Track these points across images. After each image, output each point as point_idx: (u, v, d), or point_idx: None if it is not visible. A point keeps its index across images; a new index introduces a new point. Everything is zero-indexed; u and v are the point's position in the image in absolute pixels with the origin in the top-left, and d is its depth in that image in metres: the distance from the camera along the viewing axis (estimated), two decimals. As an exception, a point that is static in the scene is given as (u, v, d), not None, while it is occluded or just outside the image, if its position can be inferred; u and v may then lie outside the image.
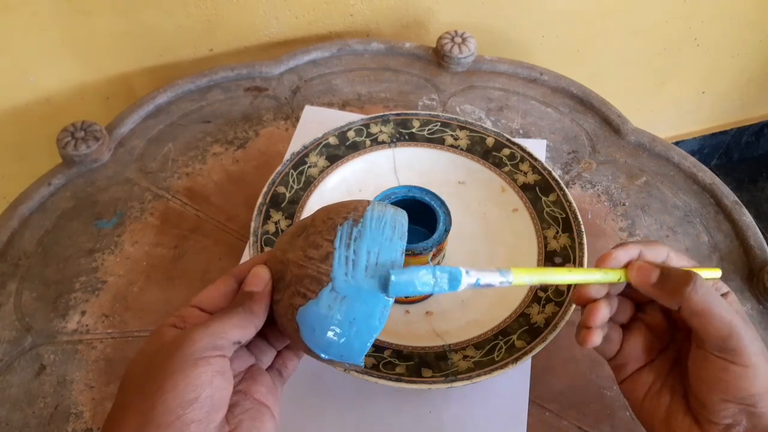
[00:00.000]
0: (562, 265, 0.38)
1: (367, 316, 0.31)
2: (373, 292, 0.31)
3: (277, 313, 0.34)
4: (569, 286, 0.48)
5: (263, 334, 0.35)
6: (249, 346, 0.35)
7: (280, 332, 0.34)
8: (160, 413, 0.27)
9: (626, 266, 0.36)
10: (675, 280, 0.34)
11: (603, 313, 0.35)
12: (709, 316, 0.33)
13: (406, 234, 0.33)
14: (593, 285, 0.36)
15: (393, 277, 0.30)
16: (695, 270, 0.35)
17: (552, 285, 0.34)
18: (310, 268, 0.32)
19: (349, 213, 0.33)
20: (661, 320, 0.38)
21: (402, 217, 0.34)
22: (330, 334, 0.32)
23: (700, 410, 0.34)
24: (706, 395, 0.33)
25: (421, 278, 0.31)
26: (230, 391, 0.30)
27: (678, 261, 0.36)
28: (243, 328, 0.32)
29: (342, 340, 0.32)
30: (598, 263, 0.36)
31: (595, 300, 0.36)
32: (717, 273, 0.37)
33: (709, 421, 0.33)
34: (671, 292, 0.34)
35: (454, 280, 0.31)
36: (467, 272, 0.32)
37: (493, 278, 0.32)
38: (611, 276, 0.35)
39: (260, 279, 0.33)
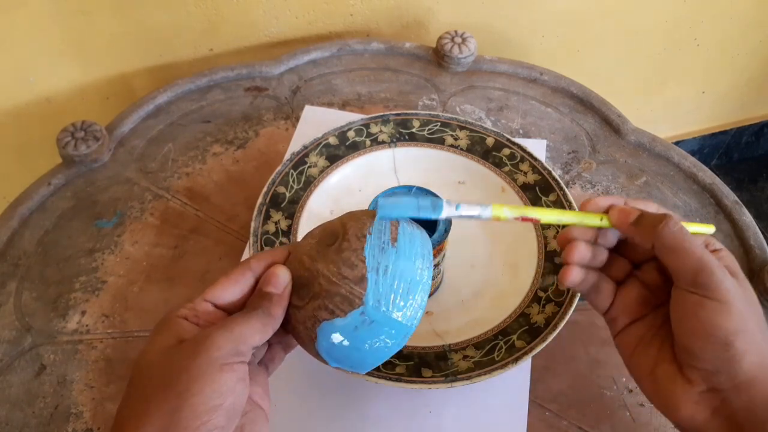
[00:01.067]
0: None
1: (389, 342, 0.33)
2: (399, 323, 0.33)
3: (293, 318, 0.33)
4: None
5: None
6: None
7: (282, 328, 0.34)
8: (187, 417, 0.27)
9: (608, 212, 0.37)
10: (651, 219, 0.35)
11: (581, 250, 0.36)
12: (680, 251, 0.33)
13: (432, 257, 0.35)
14: (576, 229, 0.37)
15: (380, 202, 0.33)
16: (687, 224, 0.36)
17: (534, 220, 0.35)
18: (343, 287, 0.32)
19: (375, 227, 0.33)
20: (656, 277, 0.37)
21: (428, 242, 0.35)
22: (349, 350, 0.32)
23: (683, 356, 0.34)
24: (685, 337, 0.33)
25: (407, 203, 0.33)
26: (247, 397, 0.30)
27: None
28: (263, 332, 0.31)
29: (358, 355, 0.33)
30: (581, 208, 0.37)
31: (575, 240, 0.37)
32: (710, 229, 0.38)
33: (691, 367, 0.33)
34: (646, 230, 0.34)
35: (436, 207, 0.33)
36: (448, 202, 0.34)
37: (473, 210, 0.34)
38: (592, 219, 0.36)
39: (280, 281, 0.33)
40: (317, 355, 0.33)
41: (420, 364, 0.45)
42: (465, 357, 0.45)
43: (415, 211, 0.33)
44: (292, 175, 0.55)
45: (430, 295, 0.51)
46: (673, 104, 1.17)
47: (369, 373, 0.43)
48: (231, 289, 0.33)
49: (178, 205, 0.60)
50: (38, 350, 0.50)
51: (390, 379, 0.43)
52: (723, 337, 0.32)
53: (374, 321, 0.32)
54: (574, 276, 0.37)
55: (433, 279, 0.49)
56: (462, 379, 0.43)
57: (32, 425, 0.46)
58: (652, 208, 0.37)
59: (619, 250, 0.39)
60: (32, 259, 0.56)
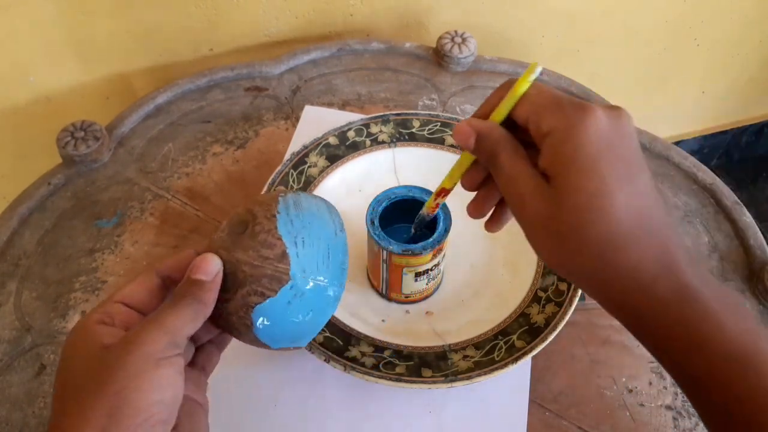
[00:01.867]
0: None
1: (323, 308, 0.34)
2: (327, 286, 0.34)
3: (223, 312, 0.33)
4: (570, 285, 0.48)
5: None
6: None
7: (207, 327, 0.34)
8: (128, 414, 0.27)
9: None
10: (486, 150, 0.32)
11: (474, 175, 0.35)
12: (512, 170, 0.31)
13: (342, 221, 0.36)
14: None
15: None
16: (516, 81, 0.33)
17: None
18: (267, 268, 0.32)
19: (280, 205, 0.34)
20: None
21: (333, 208, 0.37)
22: (287, 326, 0.33)
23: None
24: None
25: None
26: (183, 390, 0.30)
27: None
28: (194, 320, 0.31)
29: (297, 329, 0.34)
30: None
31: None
32: (537, 69, 0.33)
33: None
34: (488, 160, 0.33)
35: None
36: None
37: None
38: (467, 159, 0.35)
39: (210, 267, 0.32)
40: (256, 340, 0.34)
41: (420, 364, 0.45)
42: (465, 357, 0.45)
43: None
44: (292, 175, 0.55)
45: (430, 295, 0.51)
46: (673, 104, 1.17)
47: (369, 373, 0.43)
48: (140, 290, 0.33)
49: (178, 205, 0.60)
50: (38, 350, 0.50)
51: (390, 379, 0.43)
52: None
53: (304, 292, 0.33)
54: (480, 208, 0.36)
55: (433, 279, 0.49)
56: (462, 379, 0.43)
57: (32, 425, 0.46)
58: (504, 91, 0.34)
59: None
60: (32, 259, 0.56)
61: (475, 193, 0.36)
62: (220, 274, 0.33)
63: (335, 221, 0.36)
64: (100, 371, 0.28)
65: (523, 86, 0.32)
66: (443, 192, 0.38)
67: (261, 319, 0.33)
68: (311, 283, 0.33)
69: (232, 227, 0.35)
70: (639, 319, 0.30)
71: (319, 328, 0.35)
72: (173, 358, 0.29)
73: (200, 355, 0.36)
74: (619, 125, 0.30)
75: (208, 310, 0.32)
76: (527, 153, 0.32)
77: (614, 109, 0.30)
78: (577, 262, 0.30)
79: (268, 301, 0.32)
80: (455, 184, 0.37)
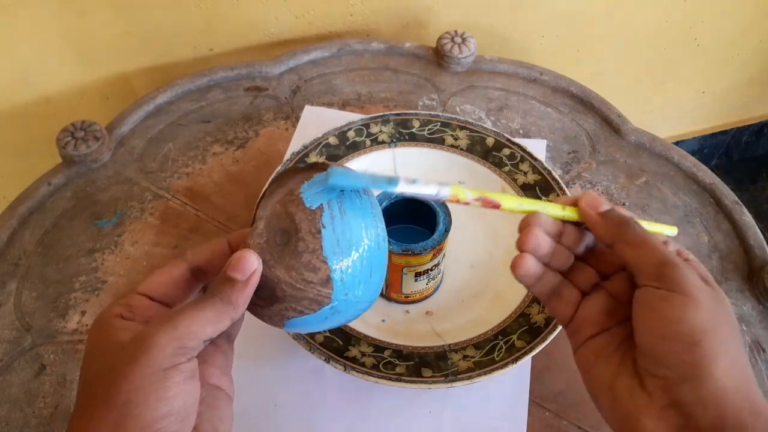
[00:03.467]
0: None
1: (350, 316, 0.34)
2: (365, 301, 0.33)
3: (254, 311, 0.33)
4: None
5: None
6: None
7: None
8: (134, 428, 0.26)
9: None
10: (618, 214, 0.33)
11: (537, 237, 0.33)
12: (643, 246, 0.31)
13: (384, 223, 0.34)
14: (538, 216, 0.34)
15: (331, 171, 0.30)
16: (650, 223, 0.35)
17: (494, 204, 0.33)
18: (309, 291, 0.31)
19: (326, 216, 0.31)
20: (625, 290, 0.33)
21: (376, 204, 0.34)
22: (314, 330, 0.34)
23: (644, 363, 0.30)
24: (647, 336, 0.29)
25: (360, 174, 0.31)
26: (199, 394, 0.28)
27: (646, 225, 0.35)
28: (216, 323, 0.29)
29: (324, 328, 0.34)
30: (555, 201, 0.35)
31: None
32: (672, 231, 0.37)
33: (652, 376, 0.29)
34: (610, 224, 0.32)
35: (392, 181, 0.30)
36: (406, 179, 0.30)
37: (430, 188, 0.31)
38: (555, 208, 0.34)
39: (248, 265, 0.30)
40: (280, 327, 0.33)
41: (420, 364, 0.45)
42: (465, 357, 0.45)
43: (368, 182, 0.30)
44: (292, 175, 0.55)
45: (430, 295, 0.51)
46: (673, 104, 1.17)
47: (369, 374, 0.43)
48: (164, 281, 0.31)
49: (178, 205, 0.60)
50: (38, 350, 0.50)
51: (390, 379, 0.43)
52: (689, 334, 0.28)
53: (342, 309, 0.32)
54: (527, 265, 0.33)
55: (433, 279, 0.49)
56: (462, 379, 0.43)
57: (32, 425, 0.46)
58: (626, 212, 0.35)
59: (587, 260, 0.36)
60: (32, 259, 0.56)
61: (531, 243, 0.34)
62: (258, 274, 0.30)
63: (378, 227, 0.33)
64: (110, 377, 0.27)
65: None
66: (492, 204, 0.34)
67: (294, 325, 0.32)
68: (351, 301, 0.32)
69: (272, 235, 0.32)
70: None
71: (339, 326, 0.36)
72: (183, 365, 0.27)
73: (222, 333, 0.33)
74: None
75: (237, 312, 0.30)
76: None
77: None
78: (739, 348, 0.30)
79: (306, 316, 0.32)
80: (509, 210, 0.35)
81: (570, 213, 0.35)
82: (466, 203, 0.33)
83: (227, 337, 0.33)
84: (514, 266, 0.33)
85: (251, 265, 0.30)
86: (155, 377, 0.26)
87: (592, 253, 0.35)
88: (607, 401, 0.32)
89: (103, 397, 0.27)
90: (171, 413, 0.27)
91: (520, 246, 0.34)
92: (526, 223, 0.34)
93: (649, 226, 0.35)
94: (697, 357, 0.27)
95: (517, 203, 0.34)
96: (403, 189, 0.30)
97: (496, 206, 0.34)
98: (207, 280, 0.34)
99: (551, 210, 0.34)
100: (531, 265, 0.33)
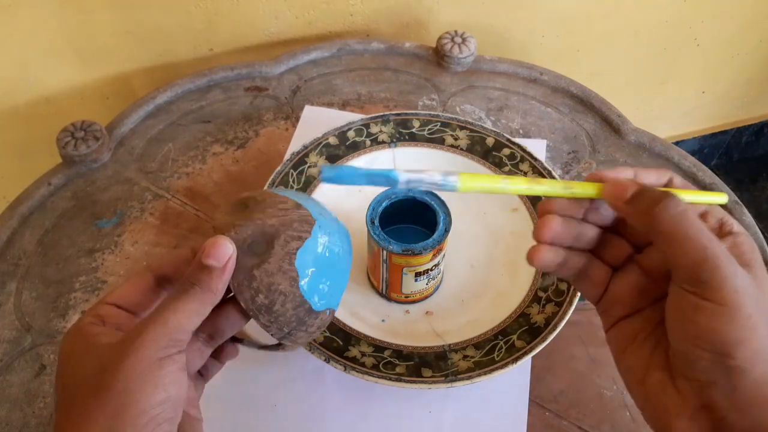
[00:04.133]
0: None
1: (347, 246, 0.36)
2: (341, 224, 0.36)
3: (260, 281, 0.32)
4: (569, 285, 0.48)
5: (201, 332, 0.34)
6: None
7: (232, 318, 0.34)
8: (133, 415, 0.27)
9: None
10: (649, 197, 0.29)
11: (554, 227, 0.31)
12: (679, 239, 0.27)
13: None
14: (558, 201, 0.31)
15: (323, 168, 0.30)
16: (696, 192, 0.31)
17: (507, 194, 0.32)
18: (291, 214, 0.33)
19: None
20: (660, 264, 0.31)
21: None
22: (326, 269, 0.34)
23: (675, 363, 0.29)
24: (678, 341, 0.28)
25: (356, 170, 0.30)
26: (188, 384, 0.30)
27: (684, 188, 0.31)
28: (201, 313, 0.30)
29: (333, 271, 0.35)
30: (586, 179, 0.32)
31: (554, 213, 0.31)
32: (722, 198, 0.32)
33: (683, 376, 0.28)
34: (642, 210, 0.29)
35: (390, 177, 0.29)
36: (404, 173, 0.30)
37: (434, 178, 0.29)
38: (579, 190, 0.31)
39: (223, 251, 0.31)
40: (299, 300, 0.33)
41: (420, 364, 0.45)
42: (465, 357, 0.45)
43: (365, 179, 0.29)
44: (292, 175, 0.55)
45: (430, 295, 0.51)
46: (673, 104, 1.17)
47: (369, 374, 0.43)
48: (131, 290, 0.32)
49: (178, 205, 0.60)
50: (38, 350, 0.50)
51: (390, 379, 0.43)
52: (720, 347, 0.26)
53: (329, 231, 0.34)
54: (543, 257, 0.31)
55: (434, 279, 0.49)
56: (462, 379, 0.43)
57: (32, 425, 0.46)
58: (664, 175, 0.31)
59: (618, 229, 0.33)
60: (32, 259, 0.56)
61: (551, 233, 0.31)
62: (233, 259, 0.31)
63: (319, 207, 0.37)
64: (102, 371, 0.28)
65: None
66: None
67: (305, 267, 0.33)
68: (332, 223, 0.35)
69: (235, 205, 0.35)
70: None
71: (346, 272, 0.36)
72: (176, 355, 0.29)
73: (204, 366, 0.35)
74: None
75: (217, 298, 0.31)
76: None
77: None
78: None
79: (306, 243, 0.33)
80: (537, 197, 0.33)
81: (597, 195, 0.31)
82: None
83: (204, 376, 0.35)
84: (530, 258, 0.31)
85: (226, 250, 0.31)
86: (151, 367, 0.28)
87: (624, 222, 0.32)
88: (639, 393, 0.30)
89: (96, 390, 0.27)
90: (168, 399, 0.28)
91: (536, 237, 0.31)
92: (543, 210, 0.32)
93: (694, 196, 0.31)
94: (731, 366, 0.26)
95: (541, 188, 0.31)
96: (403, 183, 0.29)
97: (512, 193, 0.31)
98: (171, 287, 0.35)
99: (578, 192, 0.31)
100: (548, 256, 0.31)
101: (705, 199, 0.32)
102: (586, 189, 0.31)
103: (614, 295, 0.32)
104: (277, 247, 0.32)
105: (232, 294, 0.33)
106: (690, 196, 0.31)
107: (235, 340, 0.37)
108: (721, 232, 0.30)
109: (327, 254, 0.34)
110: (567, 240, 0.32)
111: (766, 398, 0.26)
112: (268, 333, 0.33)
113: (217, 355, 0.36)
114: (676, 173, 0.32)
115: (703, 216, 0.30)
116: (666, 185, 0.32)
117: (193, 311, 0.30)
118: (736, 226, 0.30)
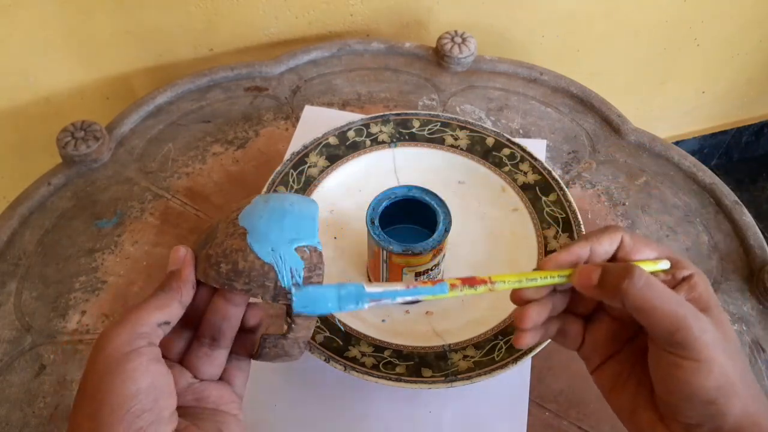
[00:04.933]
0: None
1: (298, 198, 0.36)
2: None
3: (215, 252, 0.33)
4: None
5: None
6: (186, 364, 0.34)
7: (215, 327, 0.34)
8: (107, 413, 0.27)
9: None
10: (613, 276, 0.31)
11: (533, 316, 0.34)
12: (651, 311, 0.30)
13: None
14: (530, 293, 0.34)
15: (295, 298, 0.33)
16: (639, 262, 0.33)
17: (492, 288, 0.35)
18: (232, 212, 0.35)
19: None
20: (623, 309, 0.33)
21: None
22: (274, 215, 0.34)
23: (663, 409, 0.31)
24: (665, 394, 0.31)
25: (327, 294, 0.33)
26: (171, 378, 0.30)
27: (634, 247, 0.33)
28: (164, 307, 0.31)
29: (290, 213, 0.35)
30: (541, 266, 0.35)
31: (530, 301, 0.34)
32: (665, 264, 0.34)
33: (672, 419, 0.31)
34: (611, 290, 0.31)
35: (360, 296, 0.33)
36: (371, 294, 0.34)
37: (408, 296, 0.34)
38: (557, 279, 0.34)
39: (178, 254, 0.34)
40: (253, 263, 0.33)
41: (420, 364, 0.45)
42: (465, 357, 0.45)
43: (335, 305, 0.33)
44: (292, 175, 0.55)
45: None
46: (673, 104, 1.17)
47: (369, 373, 0.43)
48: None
49: (178, 205, 0.60)
50: (38, 350, 0.50)
51: (390, 379, 0.43)
52: (705, 397, 0.29)
53: (267, 197, 0.36)
54: (528, 341, 0.34)
55: (434, 279, 0.49)
56: (462, 379, 0.43)
57: (32, 425, 0.46)
58: (614, 240, 0.33)
59: None
60: (32, 259, 0.56)
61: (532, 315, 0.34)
62: (190, 257, 0.34)
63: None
64: (83, 382, 0.29)
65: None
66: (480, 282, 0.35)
67: (251, 222, 0.34)
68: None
69: (201, 241, 0.36)
70: None
71: (309, 214, 0.35)
72: (142, 348, 0.29)
73: (226, 369, 0.36)
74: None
75: (182, 295, 0.32)
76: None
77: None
78: (747, 379, 0.31)
79: (246, 207, 0.35)
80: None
81: (563, 281, 0.34)
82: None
83: (228, 381, 0.36)
84: (516, 343, 0.34)
85: (180, 253, 0.34)
86: (116, 362, 0.28)
87: None
88: (632, 429, 0.33)
89: (79, 400, 0.29)
90: (140, 391, 0.28)
91: (519, 325, 0.34)
92: (518, 299, 0.35)
93: (641, 265, 0.33)
94: (714, 410, 0.29)
95: (522, 283, 0.34)
96: (372, 304, 0.33)
97: (487, 284, 0.35)
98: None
99: (556, 280, 0.34)
100: (532, 339, 0.34)
101: (649, 268, 0.33)
102: (554, 278, 0.34)
103: (591, 344, 0.35)
104: (220, 225, 0.34)
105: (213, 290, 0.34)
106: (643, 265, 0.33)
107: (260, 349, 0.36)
108: (675, 279, 0.32)
109: (272, 203, 0.35)
110: (544, 319, 0.34)
111: (744, 428, 0.30)
112: (259, 299, 0.34)
113: (238, 353, 0.37)
114: (625, 230, 0.34)
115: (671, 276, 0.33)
116: (619, 247, 0.34)
117: (153, 306, 0.31)
118: (686, 266, 0.33)
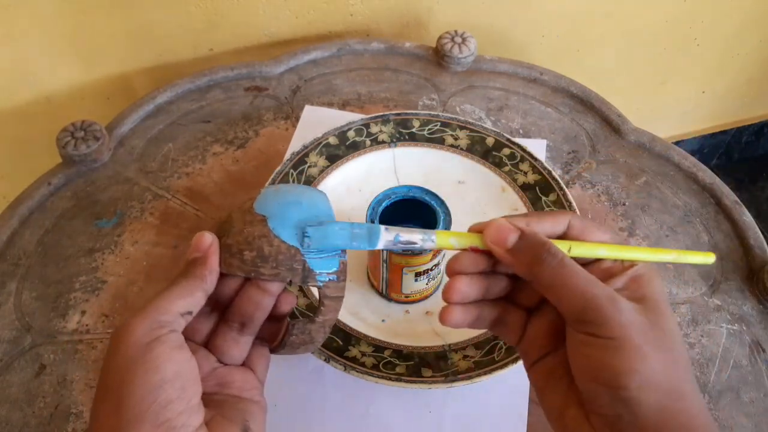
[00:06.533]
0: None
1: (307, 188, 0.37)
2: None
3: (237, 241, 0.33)
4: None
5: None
6: (211, 347, 0.34)
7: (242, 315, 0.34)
8: (132, 405, 0.26)
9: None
10: (528, 249, 0.30)
11: (461, 288, 0.32)
12: (561, 288, 0.29)
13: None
14: (465, 258, 0.32)
15: (309, 232, 0.33)
16: (592, 245, 0.31)
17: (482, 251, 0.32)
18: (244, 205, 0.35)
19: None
20: None
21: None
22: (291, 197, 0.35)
23: (583, 399, 0.29)
24: (579, 378, 0.29)
25: (337, 232, 0.33)
26: (196, 365, 0.29)
27: (584, 230, 0.32)
28: (187, 296, 0.30)
29: (306, 197, 0.35)
30: (471, 229, 0.33)
31: (461, 273, 0.32)
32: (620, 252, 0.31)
33: (592, 412, 0.29)
34: (523, 260, 0.30)
35: (373, 235, 0.33)
36: (386, 229, 0.33)
37: (414, 237, 0.33)
38: (473, 239, 0.32)
39: (203, 240, 0.33)
40: (270, 245, 0.33)
41: (420, 364, 0.45)
42: (465, 357, 0.45)
43: (348, 241, 0.33)
44: (292, 175, 0.55)
45: (430, 295, 0.51)
46: (673, 104, 1.17)
47: (369, 373, 0.43)
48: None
49: (178, 205, 0.60)
50: (38, 350, 0.50)
51: (390, 379, 0.43)
52: (613, 379, 0.27)
53: (276, 187, 0.36)
54: (455, 318, 0.32)
55: (434, 279, 0.49)
56: (462, 379, 0.43)
57: (32, 425, 0.46)
58: (560, 222, 0.32)
59: None
60: (32, 258, 0.56)
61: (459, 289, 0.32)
62: (215, 246, 0.33)
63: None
64: (103, 376, 0.28)
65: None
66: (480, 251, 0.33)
67: (267, 210, 0.33)
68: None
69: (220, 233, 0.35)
70: None
71: (322, 197, 0.36)
72: (164, 336, 0.28)
73: (249, 356, 0.35)
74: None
75: (206, 283, 0.32)
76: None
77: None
78: (673, 374, 0.28)
79: (258, 197, 0.34)
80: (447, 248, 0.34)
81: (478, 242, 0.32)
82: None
83: (251, 367, 0.35)
84: (441, 320, 0.32)
85: (206, 240, 0.33)
86: (138, 353, 0.27)
87: None
88: (558, 429, 0.31)
89: (100, 394, 0.28)
90: (165, 380, 0.27)
91: (445, 299, 0.32)
92: (450, 270, 0.33)
93: (587, 249, 0.31)
94: (626, 398, 0.27)
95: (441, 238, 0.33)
96: (385, 245, 0.33)
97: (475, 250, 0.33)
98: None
99: (462, 241, 0.32)
100: (458, 317, 0.32)
101: (592, 252, 0.31)
102: (470, 239, 0.32)
103: (531, 337, 0.33)
104: (234, 216, 0.34)
105: (245, 278, 0.34)
106: (583, 248, 0.31)
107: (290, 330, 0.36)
108: (622, 266, 0.31)
109: (283, 190, 0.35)
110: (476, 296, 0.32)
111: (667, 425, 0.27)
112: (288, 283, 0.34)
113: (264, 339, 0.36)
114: (575, 215, 0.32)
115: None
116: (566, 229, 0.32)
117: (176, 295, 0.30)
118: (642, 264, 0.31)
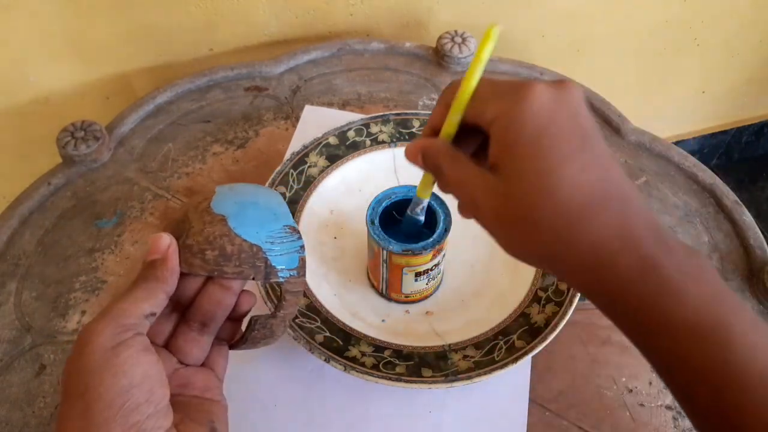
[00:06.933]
0: None
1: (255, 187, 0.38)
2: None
3: (197, 241, 0.33)
4: (569, 286, 0.48)
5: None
6: (171, 348, 0.34)
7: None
8: (100, 410, 0.26)
9: None
10: (431, 162, 0.33)
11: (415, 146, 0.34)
12: (456, 187, 0.32)
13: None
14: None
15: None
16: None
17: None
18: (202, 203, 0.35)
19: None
20: None
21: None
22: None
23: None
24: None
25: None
26: (162, 368, 0.29)
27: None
28: (149, 298, 0.30)
29: (259, 195, 0.36)
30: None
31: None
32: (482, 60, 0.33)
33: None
34: (436, 176, 0.33)
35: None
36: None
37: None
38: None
39: (160, 243, 0.32)
40: (231, 241, 0.34)
41: (420, 364, 0.45)
42: (465, 357, 0.45)
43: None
44: (292, 174, 0.55)
45: (430, 295, 0.51)
46: (673, 104, 1.17)
47: (369, 373, 0.43)
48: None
49: (178, 205, 0.60)
50: (38, 350, 0.50)
51: (390, 379, 0.43)
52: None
53: (227, 187, 0.37)
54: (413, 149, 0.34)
55: (434, 279, 0.49)
56: (462, 379, 0.43)
57: (32, 425, 0.46)
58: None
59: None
60: (32, 258, 0.56)
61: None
62: (174, 247, 0.33)
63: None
64: (67, 380, 0.28)
65: (467, 89, 0.32)
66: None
67: (224, 209, 0.34)
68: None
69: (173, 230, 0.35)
70: (606, 299, 0.28)
71: (275, 195, 0.38)
72: (130, 340, 0.28)
73: (208, 356, 0.35)
74: (561, 97, 0.28)
75: (167, 285, 0.32)
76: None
77: (558, 83, 0.29)
78: (535, 247, 0.29)
79: (214, 198, 0.35)
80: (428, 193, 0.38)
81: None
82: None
83: (211, 368, 0.35)
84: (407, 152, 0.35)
85: (164, 241, 0.33)
86: (104, 357, 0.27)
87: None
88: None
89: (66, 399, 0.27)
90: (133, 384, 0.27)
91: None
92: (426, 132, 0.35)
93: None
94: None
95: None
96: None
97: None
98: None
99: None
100: (413, 148, 0.34)
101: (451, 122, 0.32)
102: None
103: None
104: (190, 215, 0.34)
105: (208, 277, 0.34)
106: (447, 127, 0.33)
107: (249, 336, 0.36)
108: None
109: (239, 190, 0.36)
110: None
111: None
112: (253, 281, 0.34)
113: (223, 339, 0.36)
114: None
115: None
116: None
117: (138, 297, 0.30)
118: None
